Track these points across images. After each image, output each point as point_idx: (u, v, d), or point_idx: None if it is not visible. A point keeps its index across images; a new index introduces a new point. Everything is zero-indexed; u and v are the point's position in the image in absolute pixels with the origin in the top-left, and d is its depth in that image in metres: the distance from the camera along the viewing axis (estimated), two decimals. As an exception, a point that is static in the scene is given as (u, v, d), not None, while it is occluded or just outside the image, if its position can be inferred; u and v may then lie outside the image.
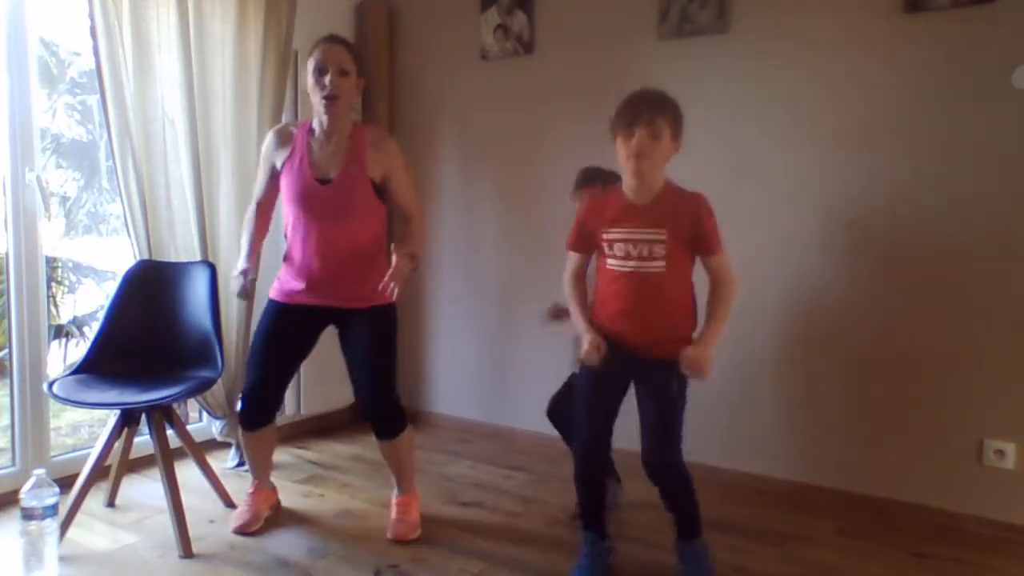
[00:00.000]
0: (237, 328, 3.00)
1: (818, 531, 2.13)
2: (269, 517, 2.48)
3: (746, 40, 2.78)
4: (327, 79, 2.16)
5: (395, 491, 2.49)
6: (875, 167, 2.56)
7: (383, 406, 2.34)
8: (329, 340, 2.42)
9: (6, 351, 2.68)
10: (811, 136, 2.67)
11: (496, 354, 3.50)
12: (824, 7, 2.62)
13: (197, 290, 2.55)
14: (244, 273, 2.25)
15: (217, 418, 3.02)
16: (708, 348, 1.93)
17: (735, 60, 2.80)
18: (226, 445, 3.07)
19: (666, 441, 2.02)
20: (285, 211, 2.33)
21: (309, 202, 2.24)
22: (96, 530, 2.39)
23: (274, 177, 2.33)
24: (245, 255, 2.31)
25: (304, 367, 3.33)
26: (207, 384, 2.37)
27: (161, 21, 2.71)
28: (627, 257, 1.99)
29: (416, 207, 2.40)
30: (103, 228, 5.35)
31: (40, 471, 1.92)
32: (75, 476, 2.37)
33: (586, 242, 2.10)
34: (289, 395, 3.37)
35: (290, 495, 2.72)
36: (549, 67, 3.26)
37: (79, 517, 2.34)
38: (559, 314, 2.45)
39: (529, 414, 3.38)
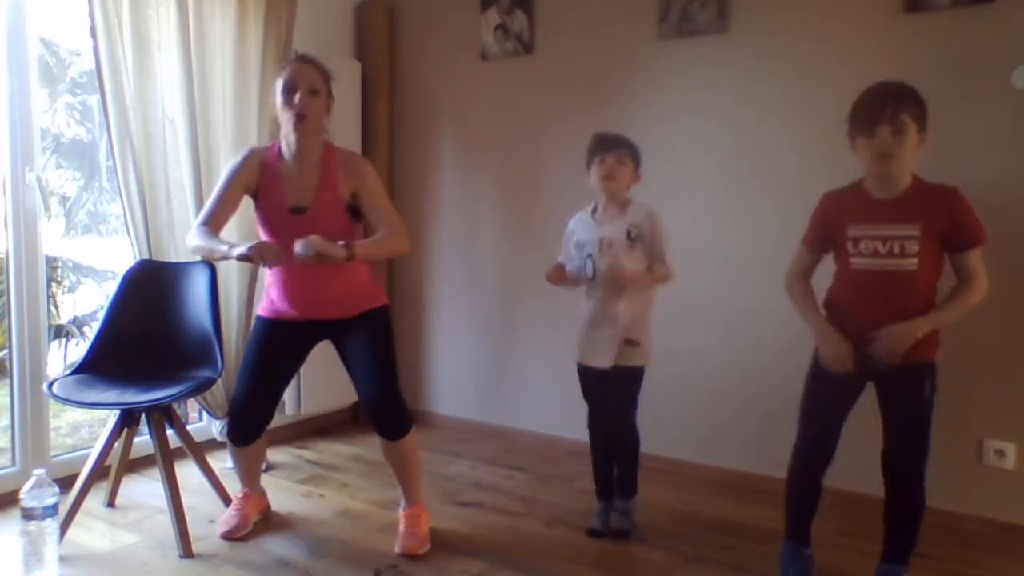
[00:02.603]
0: (237, 328, 3.00)
1: (818, 531, 2.12)
2: (258, 522, 2.45)
3: (746, 40, 2.78)
4: (296, 98, 2.10)
5: (402, 503, 2.41)
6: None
7: (388, 404, 2.28)
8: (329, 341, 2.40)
9: (6, 351, 2.68)
10: (812, 136, 2.66)
11: (496, 354, 3.50)
12: (824, 7, 2.62)
13: (197, 290, 2.55)
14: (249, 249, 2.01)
15: (217, 418, 3.02)
16: (914, 329, 1.82)
17: (735, 60, 2.80)
18: (226, 445, 3.06)
19: (916, 448, 1.93)
20: (261, 236, 2.24)
21: (285, 234, 2.12)
22: (96, 530, 2.39)
23: (238, 198, 2.23)
24: (227, 245, 2.08)
25: (304, 368, 3.34)
26: (207, 384, 2.37)
27: (161, 21, 2.71)
28: (875, 255, 1.88)
29: (395, 222, 2.26)
30: (103, 228, 5.35)
31: (40, 471, 1.92)
32: (75, 476, 2.38)
33: (824, 239, 2.02)
34: (289, 395, 3.37)
35: (290, 495, 2.73)
36: (549, 67, 3.26)
37: (79, 517, 2.35)
38: (560, 277, 2.34)
39: (529, 414, 3.39)
